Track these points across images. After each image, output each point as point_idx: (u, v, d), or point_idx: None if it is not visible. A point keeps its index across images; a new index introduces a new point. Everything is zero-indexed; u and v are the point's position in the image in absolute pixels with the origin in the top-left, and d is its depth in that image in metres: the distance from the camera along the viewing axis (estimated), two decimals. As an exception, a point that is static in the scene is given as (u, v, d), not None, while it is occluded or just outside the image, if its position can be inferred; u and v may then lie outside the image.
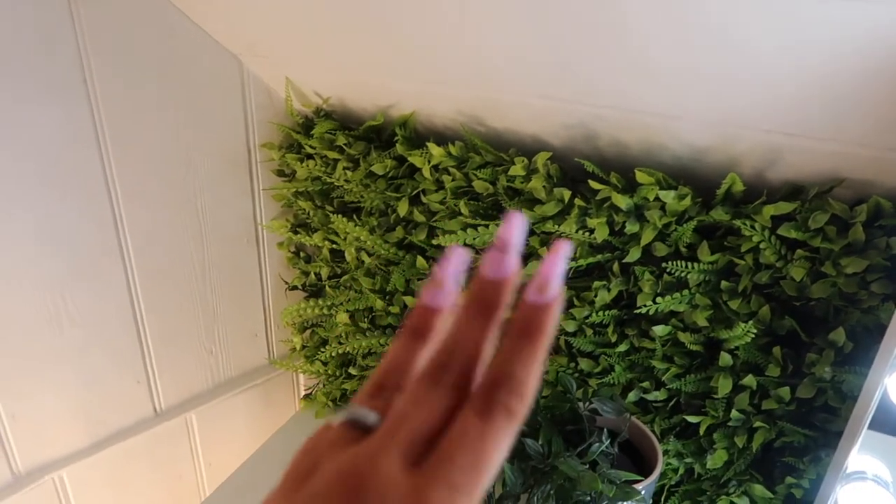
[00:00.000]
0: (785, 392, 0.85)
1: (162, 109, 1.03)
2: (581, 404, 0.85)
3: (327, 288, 1.24)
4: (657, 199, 0.85)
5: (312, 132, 1.09)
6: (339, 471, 0.25)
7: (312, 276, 1.28)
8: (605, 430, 0.82)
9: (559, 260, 0.28)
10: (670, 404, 0.95)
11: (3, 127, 0.86)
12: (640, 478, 0.78)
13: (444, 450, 0.25)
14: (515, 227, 0.28)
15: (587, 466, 0.76)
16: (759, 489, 0.89)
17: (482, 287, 0.28)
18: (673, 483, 0.99)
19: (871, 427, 0.70)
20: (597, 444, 0.79)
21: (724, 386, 0.87)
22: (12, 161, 0.88)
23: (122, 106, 0.97)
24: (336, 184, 1.11)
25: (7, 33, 0.83)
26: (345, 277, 1.20)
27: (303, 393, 1.42)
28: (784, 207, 0.79)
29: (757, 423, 0.87)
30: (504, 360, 0.27)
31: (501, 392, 0.26)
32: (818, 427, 0.86)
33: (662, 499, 0.99)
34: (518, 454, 0.79)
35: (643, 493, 0.81)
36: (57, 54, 0.88)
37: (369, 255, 1.15)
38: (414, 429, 0.26)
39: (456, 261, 0.29)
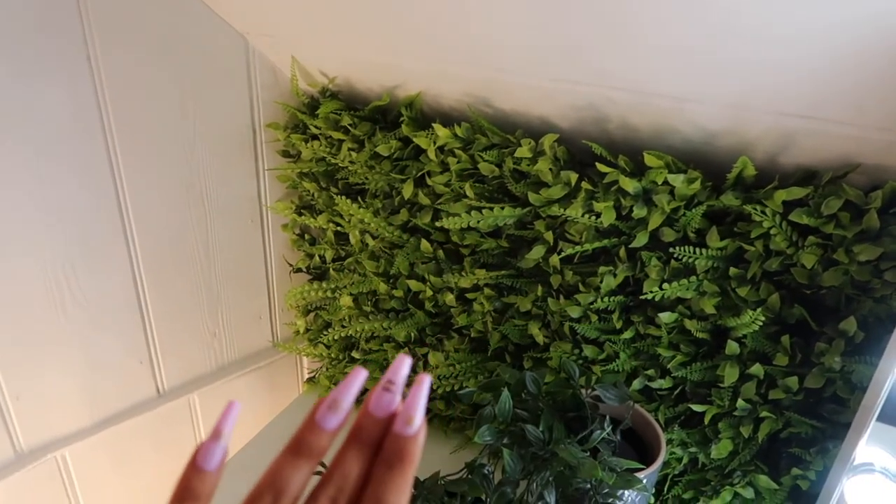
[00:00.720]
0: (793, 382, 0.83)
1: (167, 88, 1.02)
2: (584, 391, 0.84)
3: (331, 271, 1.23)
4: (666, 182, 0.83)
5: (317, 112, 1.08)
6: None
7: (317, 258, 1.27)
8: (608, 417, 0.81)
9: (422, 393, 0.31)
10: (675, 393, 0.94)
11: (4, 105, 0.85)
12: (641, 466, 0.76)
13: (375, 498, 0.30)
14: (402, 368, 0.32)
15: (588, 454, 0.75)
16: (764, 480, 0.87)
17: (365, 422, 0.32)
18: (676, 472, 0.97)
19: (880, 419, 0.68)
20: (598, 432, 0.78)
21: (730, 375, 0.86)
22: (14, 140, 0.87)
23: (127, 84, 0.96)
24: (340, 165, 1.10)
25: (8, 8, 0.82)
26: (349, 260, 1.19)
27: (306, 376, 1.42)
28: (796, 193, 0.76)
29: (763, 413, 0.85)
30: (377, 488, 0.31)
31: (402, 457, 0.30)
32: (826, 418, 0.84)
33: (665, 488, 0.98)
34: (518, 440, 0.78)
35: (644, 481, 0.80)
36: (61, 29, 0.87)
37: (373, 237, 1.13)
38: (295, 489, 0.30)
39: (354, 386, 0.32)
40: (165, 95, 1.02)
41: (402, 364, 0.32)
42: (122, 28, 0.93)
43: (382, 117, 1.09)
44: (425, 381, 0.31)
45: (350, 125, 1.07)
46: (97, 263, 1.02)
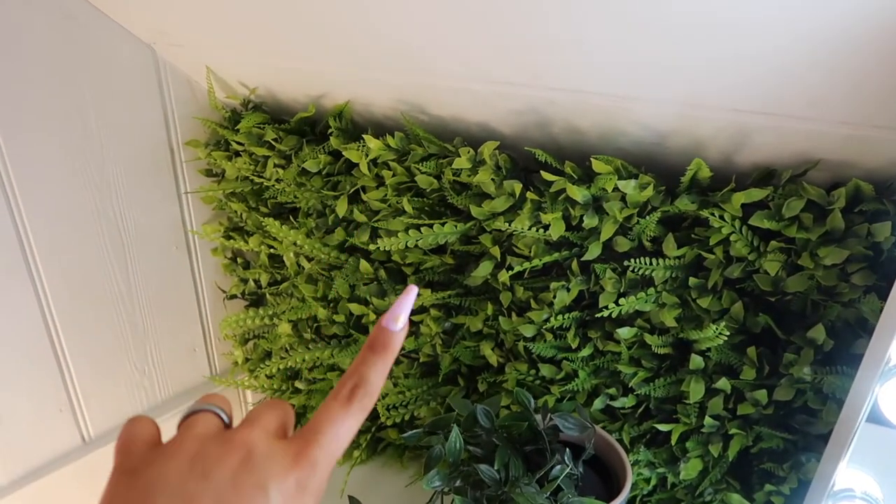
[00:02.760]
0: (761, 395, 0.78)
1: (64, 108, 0.91)
2: (541, 419, 0.77)
3: (268, 296, 1.14)
4: (616, 189, 0.76)
5: (238, 126, 0.99)
6: (228, 443, 0.34)
7: (251, 283, 1.18)
8: (568, 447, 0.74)
9: (409, 299, 0.39)
10: (639, 411, 0.88)
11: None
12: (605, 503, 0.70)
13: (313, 423, 0.35)
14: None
15: (548, 494, 0.68)
16: (736, 499, 0.82)
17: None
18: (645, 493, 0.91)
19: (862, 428, 0.63)
20: (559, 467, 0.71)
21: (695, 391, 0.80)
22: None
23: (16, 108, 0.86)
24: (267, 183, 1.01)
25: None
26: (285, 284, 1.10)
27: (250, 409, 1.32)
28: (755, 195, 0.71)
29: (732, 430, 0.80)
30: (361, 366, 0.37)
31: (359, 391, 0.36)
32: (797, 430, 0.79)
33: (635, 510, 0.92)
34: (472, 482, 0.71)
35: (612, 515, 0.74)
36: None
37: (309, 259, 1.05)
38: (278, 423, 0.36)
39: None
40: (63, 115, 0.91)
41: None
42: (7, 42, 0.82)
43: (310, 129, 1.00)
44: (412, 291, 0.39)
45: (275, 140, 0.98)
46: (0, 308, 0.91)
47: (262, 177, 1.01)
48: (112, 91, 0.96)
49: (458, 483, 0.72)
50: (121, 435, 0.35)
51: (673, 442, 0.85)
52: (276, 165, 0.99)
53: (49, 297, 0.97)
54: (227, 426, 0.37)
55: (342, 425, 0.35)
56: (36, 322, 0.96)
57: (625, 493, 0.75)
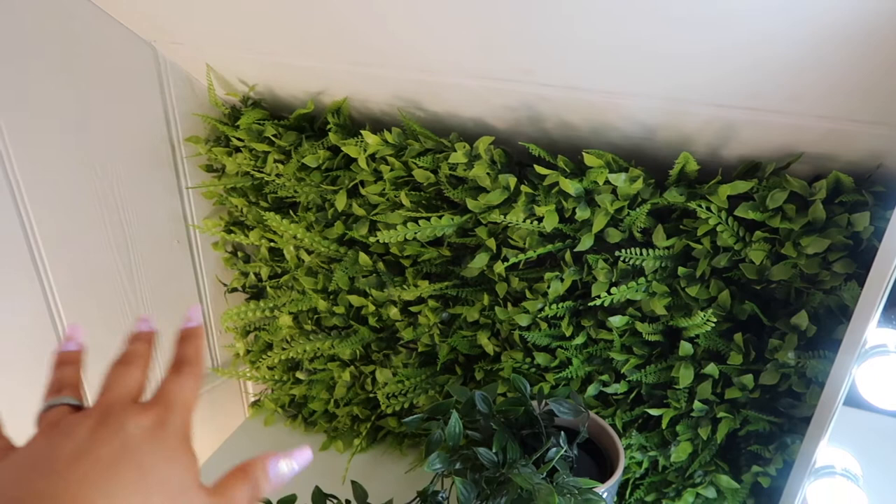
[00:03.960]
0: (748, 380, 0.81)
1: (67, 106, 0.93)
2: (537, 405, 0.80)
3: (268, 289, 1.16)
4: (607, 182, 0.79)
5: (238, 123, 1.01)
6: (92, 420, 0.37)
7: (252, 276, 1.20)
8: (563, 431, 0.77)
9: (195, 312, 0.47)
10: (631, 397, 0.91)
11: None
12: (599, 483, 0.73)
13: (162, 391, 0.40)
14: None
15: (545, 475, 0.71)
16: (725, 480, 0.85)
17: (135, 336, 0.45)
18: (637, 476, 0.95)
19: (841, 409, 0.66)
20: (554, 450, 0.74)
21: (685, 376, 0.83)
22: None
23: (21, 105, 0.87)
24: (267, 178, 1.03)
25: None
26: (285, 277, 1.12)
27: (251, 400, 1.35)
28: (741, 187, 0.74)
29: (721, 413, 0.83)
30: (178, 349, 0.44)
31: (184, 365, 0.42)
32: (783, 413, 0.82)
33: (627, 492, 0.95)
34: (471, 465, 0.74)
35: (605, 495, 0.77)
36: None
37: (309, 253, 1.07)
38: (130, 387, 0.40)
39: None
40: (67, 114, 0.93)
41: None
42: (8, 42, 0.84)
43: (309, 125, 1.02)
44: (196, 311, 0.47)
45: (274, 135, 1.00)
46: (6, 302, 0.93)
47: (262, 172, 1.03)
48: (114, 88, 0.98)
49: (457, 466, 0.74)
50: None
51: (664, 426, 0.88)
52: (276, 161, 1.01)
53: (54, 289, 0.98)
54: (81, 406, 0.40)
55: (184, 386, 0.40)
56: (43, 317, 0.98)
57: (618, 475, 0.78)
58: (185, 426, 0.39)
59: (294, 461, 0.43)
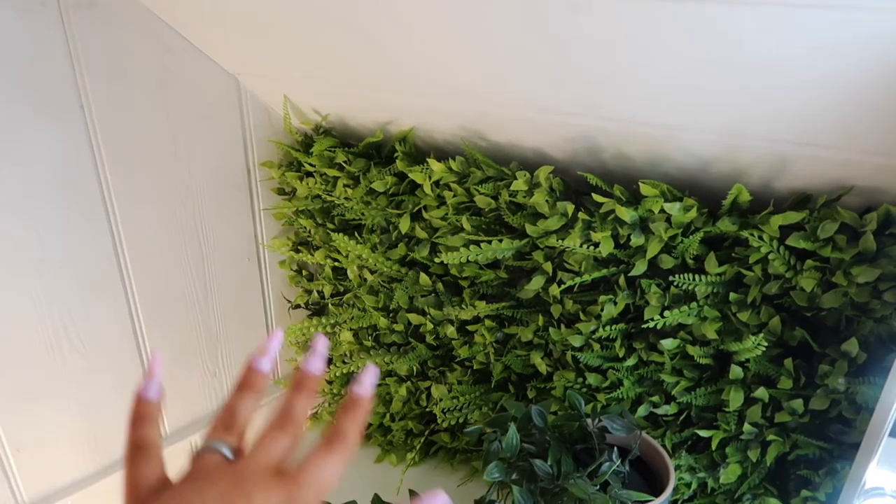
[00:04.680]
0: (798, 404, 0.83)
1: (159, 131, 1.02)
2: (590, 422, 0.83)
3: (330, 306, 1.23)
4: (662, 210, 0.83)
5: (311, 150, 1.09)
6: (229, 480, 0.38)
7: (315, 294, 1.27)
8: (616, 447, 0.81)
9: (371, 377, 0.44)
10: (681, 418, 0.94)
11: (2, 151, 0.85)
12: (651, 497, 0.76)
13: (306, 464, 0.39)
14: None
15: (598, 487, 0.75)
16: (773, 503, 0.87)
17: (302, 376, 0.44)
18: (686, 498, 0.97)
19: (892, 434, 0.68)
20: (607, 464, 0.77)
21: (735, 399, 0.86)
22: (11, 185, 0.87)
23: (119, 128, 0.97)
24: (336, 201, 1.10)
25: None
26: (348, 295, 1.19)
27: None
28: (792, 217, 0.77)
29: (770, 437, 0.85)
30: (339, 419, 0.42)
31: (338, 441, 0.41)
32: (833, 439, 0.84)
33: (676, 514, 0.97)
34: (528, 476, 0.78)
35: (656, 511, 0.79)
36: (52, 77, 0.88)
37: (371, 272, 1.13)
38: (276, 455, 0.39)
39: (276, 342, 0.46)
40: (158, 137, 1.02)
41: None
42: (114, 73, 0.94)
43: (377, 153, 1.10)
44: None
45: (345, 162, 1.07)
46: (94, 308, 1.01)
47: (331, 195, 1.10)
48: (200, 117, 1.07)
49: (514, 476, 0.78)
50: (127, 476, 0.39)
51: (713, 448, 0.90)
52: (345, 185, 1.08)
53: (137, 300, 1.07)
54: (233, 458, 0.40)
55: (330, 466, 0.39)
56: (125, 323, 1.07)
57: (668, 493, 0.81)
58: None
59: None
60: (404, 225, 1.04)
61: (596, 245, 0.88)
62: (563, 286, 0.92)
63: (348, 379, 1.26)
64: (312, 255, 1.19)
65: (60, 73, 0.88)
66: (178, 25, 0.98)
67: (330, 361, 1.26)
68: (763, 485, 0.89)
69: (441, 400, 1.09)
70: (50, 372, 0.98)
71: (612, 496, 0.74)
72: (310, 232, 1.20)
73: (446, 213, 1.00)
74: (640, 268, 0.87)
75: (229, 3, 0.87)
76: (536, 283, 0.96)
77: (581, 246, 0.88)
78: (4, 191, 0.87)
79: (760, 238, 0.78)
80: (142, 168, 1.02)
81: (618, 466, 0.78)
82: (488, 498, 0.84)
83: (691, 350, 0.88)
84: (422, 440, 1.17)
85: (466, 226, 0.98)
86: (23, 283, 0.92)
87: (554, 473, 0.77)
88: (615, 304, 0.91)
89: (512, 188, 0.92)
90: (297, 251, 1.21)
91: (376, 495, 0.88)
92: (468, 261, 0.96)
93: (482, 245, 0.94)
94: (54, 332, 0.97)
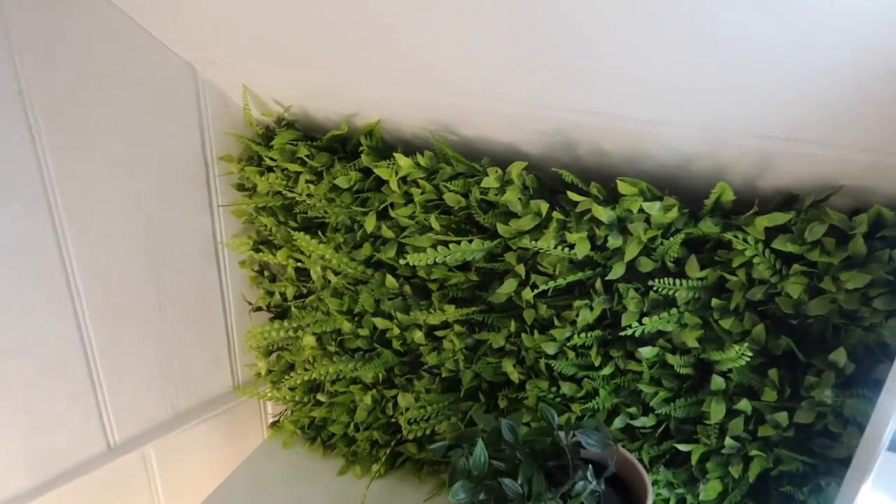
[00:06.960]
0: (782, 417, 0.78)
1: (108, 120, 0.95)
2: (563, 436, 0.78)
3: (293, 309, 1.16)
4: (641, 210, 0.78)
5: (272, 143, 1.02)
6: None
7: (277, 296, 1.20)
8: (591, 464, 0.75)
9: None
10: (659, 431, 0.89)
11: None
12: (629, 519, 0.71)
13: None
14: None
15: (571, 508, 0.69)
16: (756, 521, 0.82)
17: None
18: (664, 514, 0.92)
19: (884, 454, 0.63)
20: (582, 483, 0.72)
21: (716, 411, 0.81)
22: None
23: (63, 118, 0.89)
24: (298, 198, 1.03)
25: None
26: (311, 298, 1.12)
27: (270, 420, 1.34)
28: (778, 218, 0.72)
29: (753, 451, 0.80)
30: None
31: None
32: (818, 454, 0.79)
33: (653, 531, 0.92)
34: (496, 496, 0.72)
35: (633, 532, 0.74)
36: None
37: (335, 273, 1.07)
38: None
39: None
40: (107, 127, 0.95)
41: None
42: (56, 58, 0.86)
43: (341, 147, 1.03)
44: None
45: (307, 156, 1.01)
46: (37, 312, 0.94)
47: (293, 192, 1.04)
48: (153, 107, 1.00)
49: (482, 496, 0.73)
50: None
51: (693, 462, 0.85)
52: (307, 181, 1.02)
53: (84, 303, 0.99)
54: None
55: None
56: (70, 328, 0.99)
57: (645, 510, 0.76)
58: None
59: None
60: (370, 224, 0.98)
61: (571, 246, 0.83)
62: (536, 290, 0.86)
63: (311, 386, 1.19)
64: (274, 254, 1.13)
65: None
66: (129, 9, 0.91)
67: (292, 367, 1.20)
68: (744, 501, 0.85)
69: (408, 409, 1.03)
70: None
71: (586, 518, 0.69)
72: (271, 230, 1.13)
73: (414, 212, 0.94)
74: (617, 271, 0.82)
75: (178, -18, 0.80)
76: (509, 286, 0.90)
77: (555, 247, 0.83)
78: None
79: (745, 240, 0.73)
80: (88, 159, 0.94)
81: (593, 486, 0.73)
82: (454, 518, 0.78)
83: (671, 359, 0.83)
84: (388, 451, 1.11)
85: (435, 225, 0.92)
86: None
87: (525, 493, 0.71)
88: (591, 309, 0.86)
89: (483, 185, 0.86)
90: (258, 250, 1.14)
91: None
92: (437, 262, 0.90)
93: (451, 246, 0.88)
94: (-12, 335, 0.90)
